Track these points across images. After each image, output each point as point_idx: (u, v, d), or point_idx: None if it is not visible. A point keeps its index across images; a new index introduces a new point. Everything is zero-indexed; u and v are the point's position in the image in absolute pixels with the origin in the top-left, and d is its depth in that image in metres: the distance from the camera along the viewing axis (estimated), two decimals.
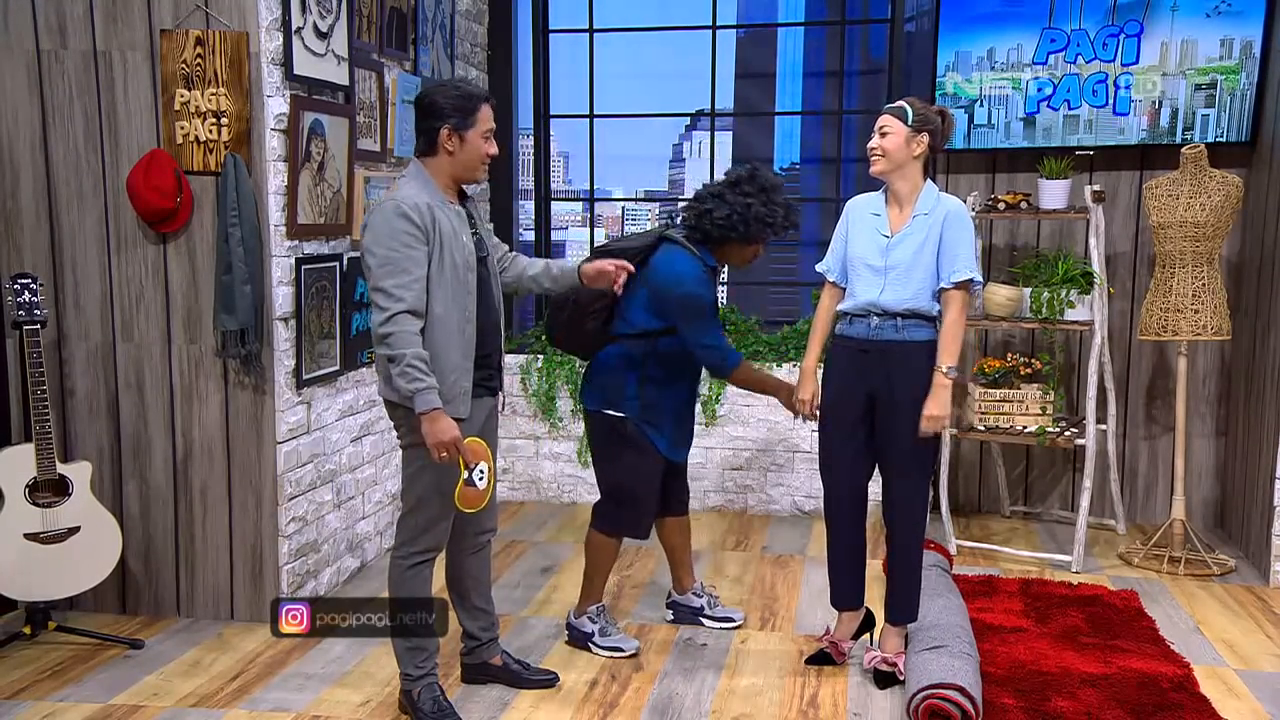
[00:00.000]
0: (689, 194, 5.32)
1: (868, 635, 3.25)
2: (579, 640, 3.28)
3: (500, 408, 2.95)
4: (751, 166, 3.12)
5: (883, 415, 2.98)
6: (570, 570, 4.00)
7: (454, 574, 2.95)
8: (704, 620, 3.47)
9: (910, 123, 2.89)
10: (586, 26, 5.05)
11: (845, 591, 3.17)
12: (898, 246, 2.92)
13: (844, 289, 3.07)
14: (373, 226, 2.54)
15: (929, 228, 2.91)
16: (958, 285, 2.90)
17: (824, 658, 3.19)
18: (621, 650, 3.23)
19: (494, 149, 2.69)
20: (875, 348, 2.95)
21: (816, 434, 3.15)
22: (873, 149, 2.94)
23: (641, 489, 3.16)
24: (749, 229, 3.03)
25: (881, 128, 2.93)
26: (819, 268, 3.17)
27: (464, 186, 2.76)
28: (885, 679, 3.04)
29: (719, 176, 3.20)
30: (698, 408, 4.71)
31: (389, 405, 2.70)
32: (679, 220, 3.18)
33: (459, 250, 2.62)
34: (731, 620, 3.47)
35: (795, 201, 3.18)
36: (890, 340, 2.94)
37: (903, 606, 3.08)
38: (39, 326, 3.14)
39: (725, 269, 3.33)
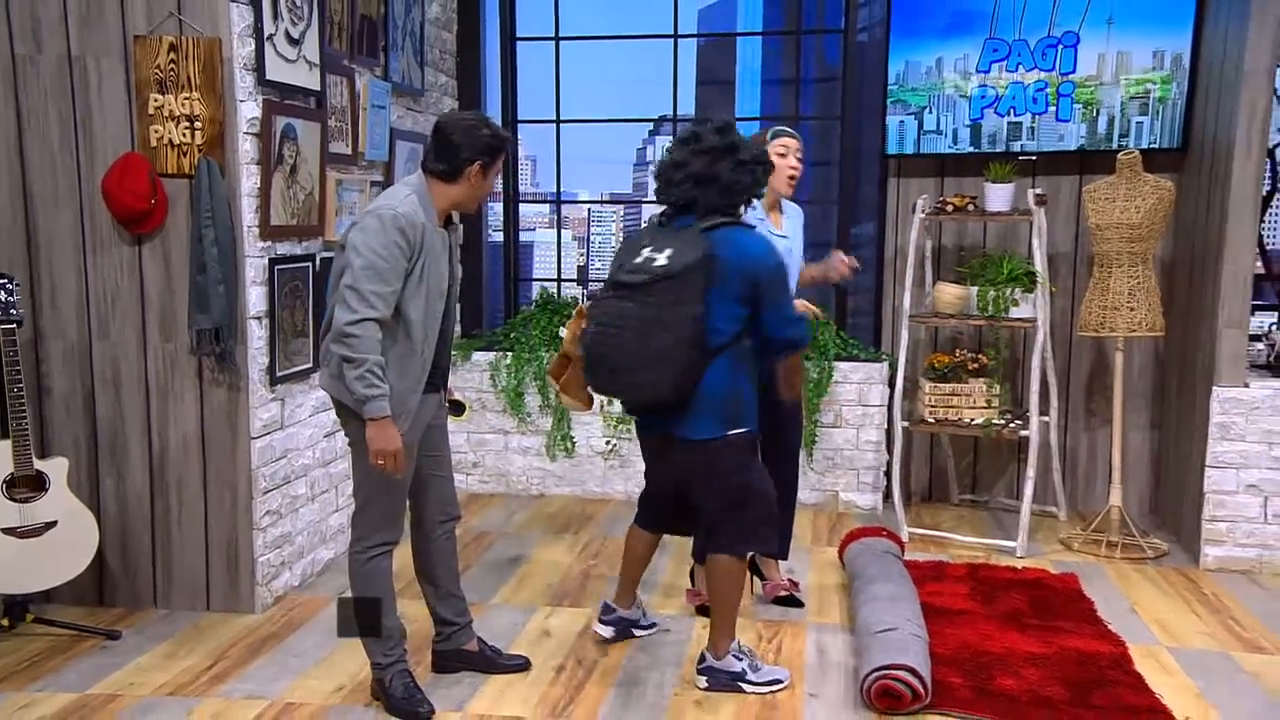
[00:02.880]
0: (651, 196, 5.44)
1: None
2: (725, 683, 2.98)
3: (444, 406, 2.98)
4: (699, 127, 2.85)
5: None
6: (538, 561, 4.11)
7: (423, 563, 3.00)
8: (635, 631, 3.35)
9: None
10: (553, 35, 5.14)
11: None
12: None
13: None
14: (367, 229, 2.58)
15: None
16: None
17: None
18: (780, 682, 3.02)
19: (497, 186, 2.83)
20: None
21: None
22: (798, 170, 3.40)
23: (770, 494, 2.96)
24: (756, 184, 2.89)
25: (797, 150, 3.40)
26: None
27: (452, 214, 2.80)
28: (793, 600, 3.62)
29: (679, 156, 2.85)
30: None
31: (336, 404, 2.74)
32: (692, 215, 2.83)
33: (436, 275, 2.69)
34: (656, 626, 3.38)
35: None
36: None
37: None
38: (15, 326, 3.18)
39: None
